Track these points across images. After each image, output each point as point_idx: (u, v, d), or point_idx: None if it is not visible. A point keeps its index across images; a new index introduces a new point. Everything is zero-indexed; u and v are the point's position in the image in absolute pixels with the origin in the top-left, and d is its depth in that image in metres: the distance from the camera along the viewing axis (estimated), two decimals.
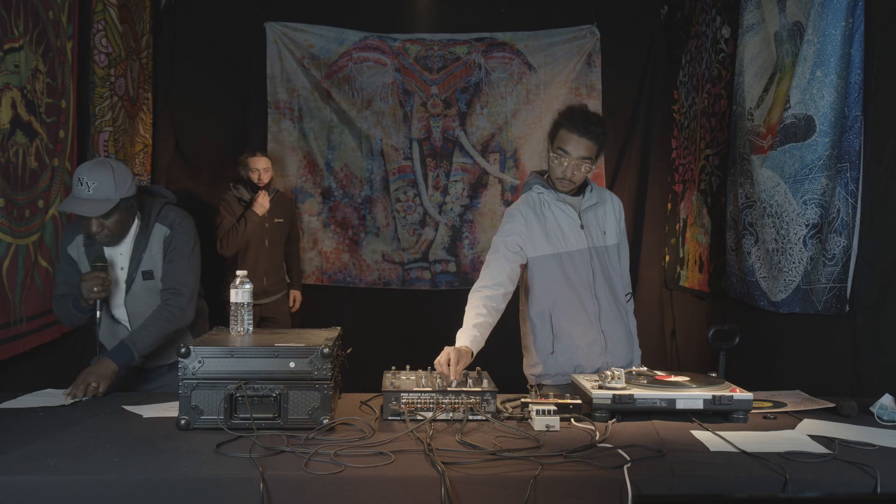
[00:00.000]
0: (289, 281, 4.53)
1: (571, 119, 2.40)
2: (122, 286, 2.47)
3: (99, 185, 2.30)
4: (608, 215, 2.57)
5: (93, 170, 2.33)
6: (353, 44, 4.73)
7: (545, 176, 2.57)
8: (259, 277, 4.24)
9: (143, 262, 2.46)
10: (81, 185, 2.30)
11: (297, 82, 4.71)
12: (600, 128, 2.40)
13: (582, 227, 2.50)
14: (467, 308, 2.34)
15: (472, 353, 2.16)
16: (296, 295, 4.59)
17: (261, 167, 4.26)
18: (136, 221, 2.47)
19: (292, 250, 4.58)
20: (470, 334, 2.22)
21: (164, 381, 2.57)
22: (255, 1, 4.59)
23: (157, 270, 2.48)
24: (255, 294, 4.11)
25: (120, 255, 2.47)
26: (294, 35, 4.68)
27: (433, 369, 2.12)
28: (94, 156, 3.47)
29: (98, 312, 2.39)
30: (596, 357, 2.47)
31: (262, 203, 4.23)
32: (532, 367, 2.57)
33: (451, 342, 2.16)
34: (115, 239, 2.42)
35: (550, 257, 2.48)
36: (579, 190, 2.53)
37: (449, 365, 2.05)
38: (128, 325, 2.49)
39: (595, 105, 4.74)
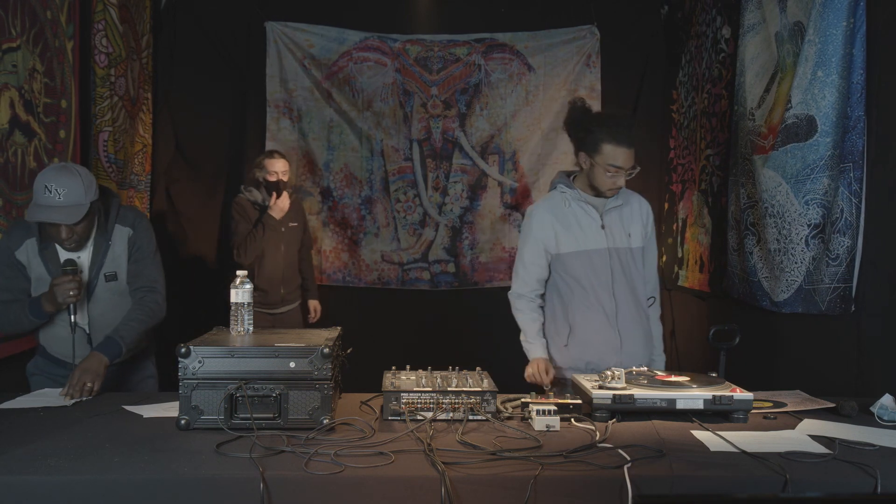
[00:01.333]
0: (304, 290, 4.27)
1: (612, 133, 2.42)
2: (84, 290, 2.39)
3: (69, 192, 2.24)
4: (633, 218, 2.56)
5: (59, 176, 2.26)
6: (354, 44, 4.72)
7: (571, 177, 2.62)
8: (276, 286, 4.00)
9: (105, 265, 2.42)
10: (50, 192, 2.22)
11: (296, 82, 4.71)
12: (631, 128, 2.48)
13: (603, 227, 2.52)
14: (521, 315, 2.62)
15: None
16: (315, 305, 4.33)
17: (279, 169, 3.98)
18: (95, 226, 2.41)
19: (305, 257, 4.28)
20: (540, 343, 2.57)
21: (114, 376, 2.48)
22: (256, 1, 4.58)
23: (122, 272, 2.45)
24: (272, 303, 3.99)
25: (78, 259, 2.39)
26: (294, 35, 4.68)
27: (433, 369, 2.14)
28: (95, 156, 3.47)
29: (73, 319, 2.33)
30: (610, 356, 2.49)
31: (282, 206, 3.93)
32: None
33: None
34: (82, 244, 2.37)
35: (571, 255, 2.53)
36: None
37: (546, 373, 2.46)
38: (87, 328, 2.43)
39: (595, 106, 4.74)
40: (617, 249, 2.53)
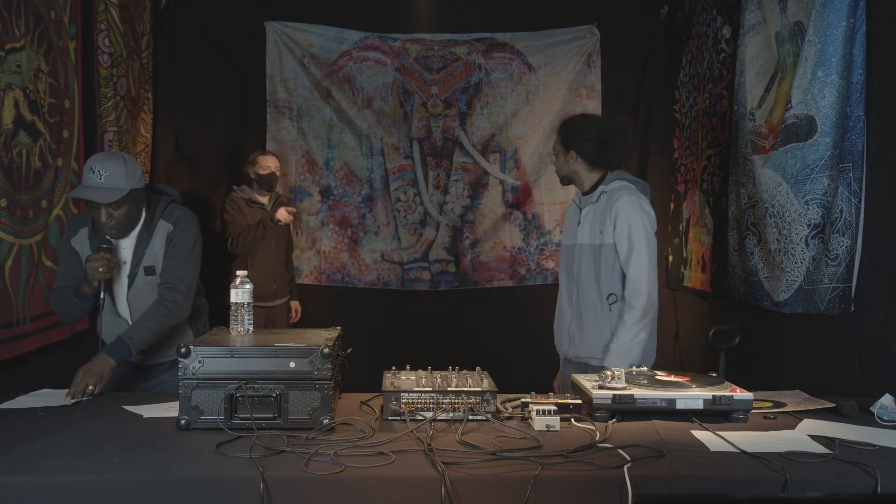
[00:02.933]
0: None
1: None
2: (125, 281, 2.48)
3: (110, 174, 2.34)
4: (606, 215, 2.62)
5: (105, 159, 2.39)
6: (354, 43, 4.73)
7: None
8: (269, 280, 4.17)
9: (145, 258, 2.48)
10: (93, 173, 2.34)
11: (296, 81, 4.71)
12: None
13: (579, 223, 2.73)
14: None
15: None
16: (296, 306, 4.49)
17: (272, 165, 4.22)
18: (142, 217, 2.49)
19: (290, 257, 4.52)
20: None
21: (163, 378, 2.57)
22: (256, 1, 4.58)
23: (159, 266, 2.50)
24: (265, 297, 4.12)
25: (124, 250, 2.49)
26: (294, 34, 4.68)
27: (433, 369, 2.15)
28: None
29: (102, 296, 2.39)
30: (565, 346, 2.79)
31: (289, 217, 4.18)
32: None
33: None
34: (123, 231, 2.44)
35: (562, 248, 2.91)
36: (591, 189, 2.73)
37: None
38: (129, 320, 2.50)
39: (595, 105, 4.75)
40: (590, 246, 2.68)
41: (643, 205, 2.60)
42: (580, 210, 2.75)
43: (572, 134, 2.71)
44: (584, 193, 2.77)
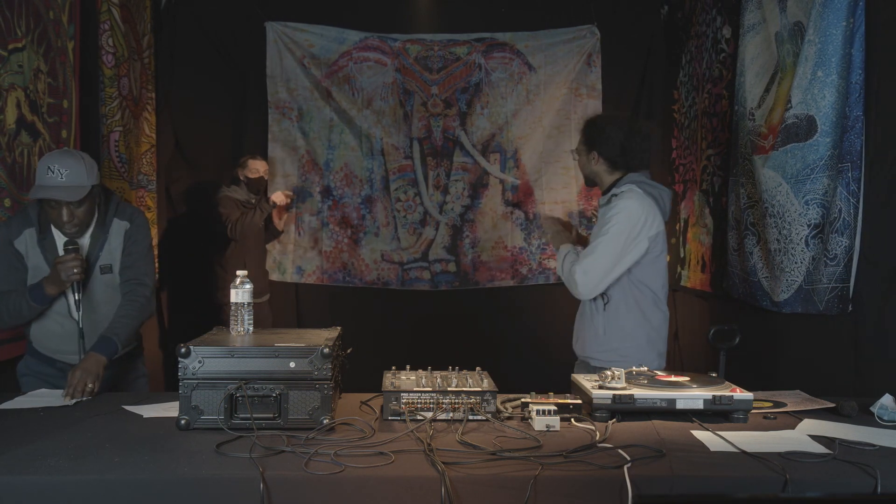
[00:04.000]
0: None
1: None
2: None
3: (71, 172, 2.31)
4: (608, 212, 2.59)
5: (62, 157, 2.34)
6: (354, 44, 4.73)
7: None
8: (254, 279, 4.27)
9: (101, 257, 2.47)
10: (52, 172, 2.29)
11: (297, 82, 4.72)
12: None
13: (593, 224, 2.73)
14: None
15: None
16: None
17: (261, 169, 4.40)
18: (94, 215, 2.46)
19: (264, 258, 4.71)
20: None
21: (114, 371, 2.49)
22: (255, 1, 4.58)
23: (116, 264, 2.49)
24: (258, 293, 4.17)
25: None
26: (294, 35, 4.68)
27: (433, 369, 2.15)
28: (106, 156, 3.49)
29: (77, 297, 2.37)
30: (574, 344, 2.79)
31: (283, 199, 4.40)
32: None
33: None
34: (82, 230, 2.42)
35: None
36: (608, 191, 2.71)
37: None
38: (79, 319, 2.43)
39: (595, 105, 4.75)
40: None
41: (635, 208, 2.53)
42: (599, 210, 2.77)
43: (595, 135, 2.70)
44: (603, 194, 2.75)
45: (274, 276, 4.74)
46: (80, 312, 2.40)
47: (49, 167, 2.30)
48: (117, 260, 2.49)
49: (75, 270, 2.32)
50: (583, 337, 2.72)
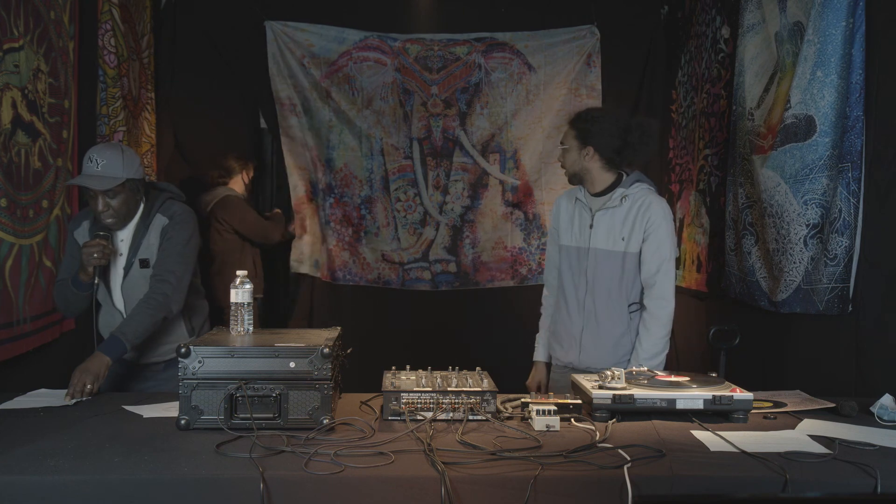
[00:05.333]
0: None
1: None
2: (121, 272, 2.51)
3: (108, 163, 2.40)
4: (635, 222, 2.49)
5: (103, 149, 2.45)
6: (353, 43, 4.72)
7: None
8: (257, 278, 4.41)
9: (140, 250, 2.51)
10: (91, 162, 2.41)
11: (296, 80, 4.71)
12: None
13: (591, 226, 2.56)
14: (542, 309, 2.83)
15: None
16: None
17: (247, 171, 4.51)
18: (140, 209, 2.53)
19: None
20: (542, 345, 2.80)
21: (160, 378, 2.58)
22: (255, 0, 4.58)
23: (154, 259, 2.53)
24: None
25: (121, 242, 2.53)
26: (294, 34, 4.67)
27: (433, 369, 2.15)
28: None
29: (96, 281, 2.41)
30: (574, 355, 2.62)
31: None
32: None
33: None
34: (120, 221, 2.48)
35: (563, 248, 2.68)
36: (606, 190, 2.57)
37: (535, 383, 2.75)
38: (124, 311, 2.52)
39: (595, 105, 4.74)
40: (603, 251, 2.53)
41: (670, 212, 2.55)
42: (590, 211, 2.58)
43: (592, 128, 2.50)
44: (596, 194, 2.59)
45: (303, 269, 4.81)
46: (100, 319, 2.50)
47: (89, 157, 2.42)
48: (154, 255, 2.53)
49: (95, 255, 2.38)
50: (597, 347, 2.55)
